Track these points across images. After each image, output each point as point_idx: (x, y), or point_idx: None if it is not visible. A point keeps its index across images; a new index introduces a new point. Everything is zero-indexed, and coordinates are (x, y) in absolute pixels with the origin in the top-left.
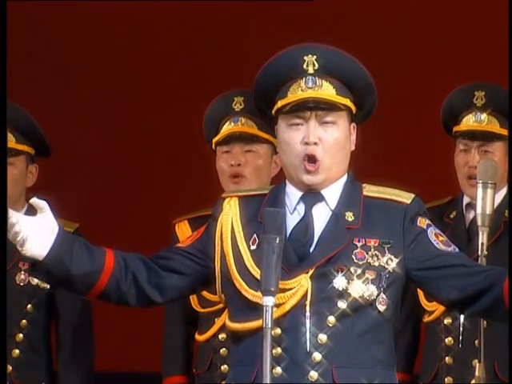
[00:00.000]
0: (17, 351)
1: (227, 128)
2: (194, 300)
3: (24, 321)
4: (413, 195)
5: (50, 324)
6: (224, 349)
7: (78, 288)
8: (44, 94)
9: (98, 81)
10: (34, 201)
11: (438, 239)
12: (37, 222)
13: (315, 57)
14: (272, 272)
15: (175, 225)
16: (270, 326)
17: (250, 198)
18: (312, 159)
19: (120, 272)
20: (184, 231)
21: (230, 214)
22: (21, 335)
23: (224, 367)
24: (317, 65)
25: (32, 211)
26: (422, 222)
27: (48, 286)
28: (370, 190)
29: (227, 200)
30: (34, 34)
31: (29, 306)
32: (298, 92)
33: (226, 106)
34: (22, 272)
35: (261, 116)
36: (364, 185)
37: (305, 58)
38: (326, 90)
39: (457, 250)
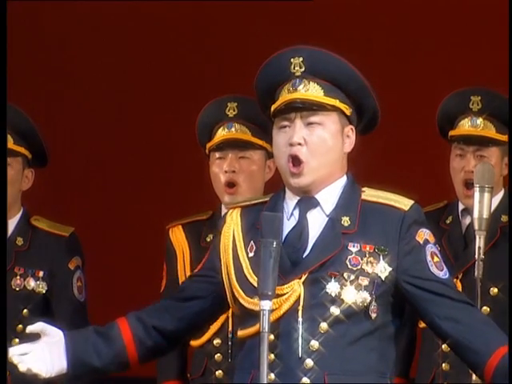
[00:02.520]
0: None
1: (221, 134)
2: None
3: (20, 326)
4: (412, 202)
5: None
6: (219, 354)
7: (114, 371)
8: (42, 96)
9: (97, 81)
10: (32, 329)
11: (432, 260)
12: (45, 345)
13: (301, 59)
14: (269, 276)
15: (169, 230)
16: (266, 330)
17: (251, 207)
18: (295, 160)
19: (142, 335)
20: (178, 236)
21: (232, 225)
22: (17, 340)
23: (219, 372)
24: (304, 67)
25: (27, 217)
26: (421, 235)
27: (44, 291)
28: (369, 195)
29: (230, 211)
30: (33, 34)
31: (25, 310)
32: (286, 94)
33: (219, 112)
34: (18, 277)
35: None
36: (364, 188)
37: (292, 60)
38: (314, 91)
39: (447, 275)
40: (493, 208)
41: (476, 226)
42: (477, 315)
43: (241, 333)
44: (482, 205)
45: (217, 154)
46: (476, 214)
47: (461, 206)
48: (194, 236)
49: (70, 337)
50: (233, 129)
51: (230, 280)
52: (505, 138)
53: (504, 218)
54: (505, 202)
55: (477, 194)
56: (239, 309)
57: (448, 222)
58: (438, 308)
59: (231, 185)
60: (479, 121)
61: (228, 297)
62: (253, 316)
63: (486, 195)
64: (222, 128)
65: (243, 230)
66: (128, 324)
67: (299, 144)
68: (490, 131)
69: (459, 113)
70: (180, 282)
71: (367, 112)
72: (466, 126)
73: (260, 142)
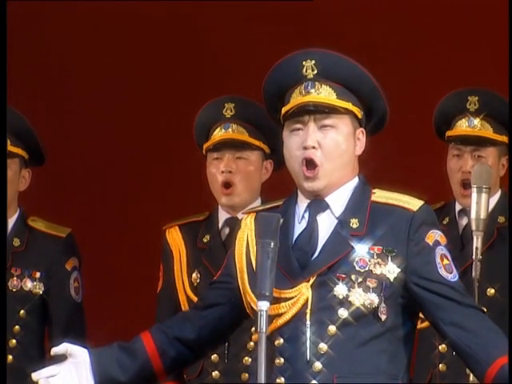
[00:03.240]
0: (10, 357)
1: (218, 134)
2: (184, 305)
3: (17, 327)
4: (421, 202)
5: (43, 330)
6: (215, 355)
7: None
8: (42, 96)
9: (97, 82)
10: (56, 350)
11: (442, 262)
12: (71, 366)
13: (314, 61)
14: (267, 276)
15: (166, 231)
16: (264, 330)
17: (265, 212)
18: (310, 164)
19: (166, 346)
20: (175, 237)
21: (246, 231)
22: (14, 341)
23: (215, 373)
24: (316, 69)
25: (24, 218)
26: (431, 237)
27: (41, 292)
28: (379, 196)
29: (245, 217)
30: (33, 34)
31: (22, 311)
32: (298, 97)
33: (216, 112)
34: (15, 278)
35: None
36: (374, 190)
37: (304, 63)
38: (326, 94)
39: (456, 278)
40: (490, 209)
41: (473, 227)
42: (482, 321)
43: (254, 337)
44: (480, 205)
45: (214, 155)
46: (473, 215)
47: (458, 207)
48: (190, 237)
49: (95, 355)
50: (230, 129)
51: (243, 285)
52: (502, 138)
53: (501, 219)
54: (502, 203)
55: (474, 195)
56: (253, 313)
57: (445, 222)
58: (444, 312)
59: (228, 185)
60: (476, 121)
61: (244, 302)
62: None
63: (484, 196)
64: (219, 128)
65: (257, 235)
66: (151, 336)
67: (313, 147)
68: (488, 131)
69: (456, 113)
70: (176, 282)
71: (377, 114)
72: (463, 126)
73: (257, 143)
